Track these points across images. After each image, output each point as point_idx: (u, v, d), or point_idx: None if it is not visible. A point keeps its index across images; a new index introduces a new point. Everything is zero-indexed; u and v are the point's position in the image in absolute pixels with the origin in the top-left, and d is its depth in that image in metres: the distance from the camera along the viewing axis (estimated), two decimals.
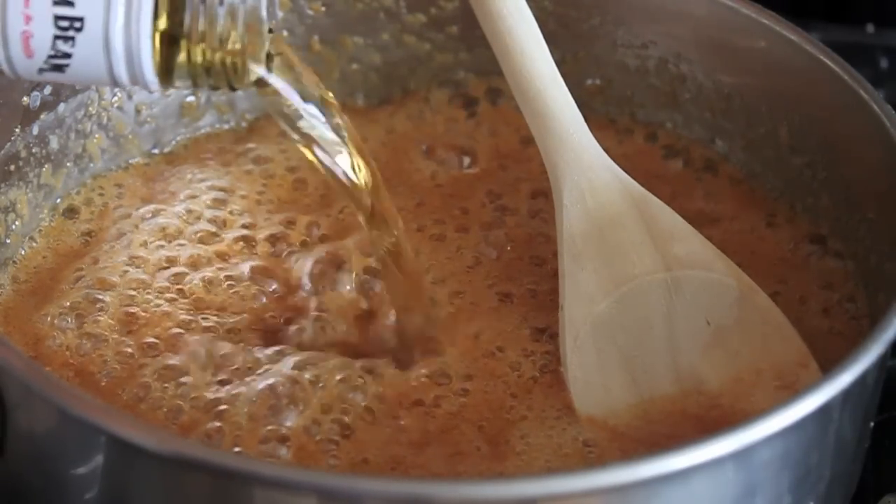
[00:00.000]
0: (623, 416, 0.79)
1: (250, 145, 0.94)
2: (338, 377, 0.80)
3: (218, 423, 0.77)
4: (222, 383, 0.80)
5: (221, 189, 0.92)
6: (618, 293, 0.81)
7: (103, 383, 0.80)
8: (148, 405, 0.79)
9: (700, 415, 0.79)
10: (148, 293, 0.85)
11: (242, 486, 0.66)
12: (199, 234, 0.89)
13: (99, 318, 0.83)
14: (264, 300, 0.85)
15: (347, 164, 0.78)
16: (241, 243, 0.88)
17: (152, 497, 0.68)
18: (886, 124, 0.82)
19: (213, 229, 0.89)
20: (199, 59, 0.70)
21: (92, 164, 0.91)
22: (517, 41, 0.84)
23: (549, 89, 0.84)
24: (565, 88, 0.84)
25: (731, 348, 0.81)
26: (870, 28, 1.20)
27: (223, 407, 0.78)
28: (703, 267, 0.82)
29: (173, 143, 0.95)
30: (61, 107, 0.88)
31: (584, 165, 0.83)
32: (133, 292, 0.85)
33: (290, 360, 0.81)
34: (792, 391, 0.78)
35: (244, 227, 0.89)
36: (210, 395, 0.79)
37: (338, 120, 0.77)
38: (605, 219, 0.82)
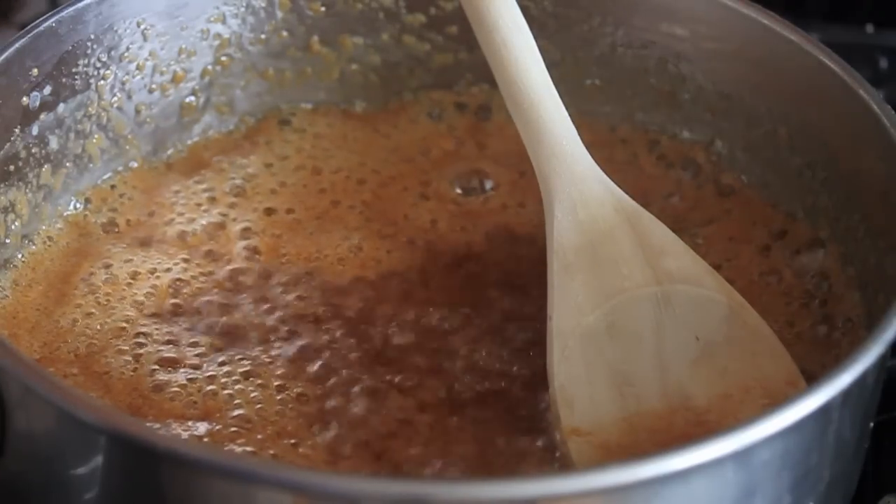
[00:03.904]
0: (609, 429, 0.78)
1: (241, 159, 0.94)
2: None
3: (239, 412, 0.79)
4: (231, 374, 0.81)
5: (222, 194, 0.92)
6: (607, 305, 0.81)
7: (110, 383, 0.80)
8: (160, 397, 0.79)
9: (687, 431, 0.78)
10: (152, 295, 0.85)
11: (241, 486, 0.66)
12: (202, 238, 0.89)
13: (105, 319, 0.83)
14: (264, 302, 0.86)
15: None
16: (244, 250, 0.89)
17: (152, 497, 0.68)
18: (886, 124, 0.82)
19: (214, 236, 0.89)
20: None
21: (91, 165, 0.91)
22: (512, 52, 0.84)
23: (542, 101, 0.84)
24: (559, 100, 0.84)
25: (719, 365, 0.80)
26: (870, 28, 1.19)
27: (233, 394, 0.80)
28: (694, 282, 0.82)
29: (174, 144, 0.95)
30: (61, 107, 0.88)
31: (576, 177, 0.83)
32: (140, 296, 0.85)
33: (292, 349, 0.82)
34: None
35: (245, 233, 0.90)
36: (222, 389, 0.80)
37: None
38: (596, 231, 0.82)
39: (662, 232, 0.83)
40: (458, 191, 0.93)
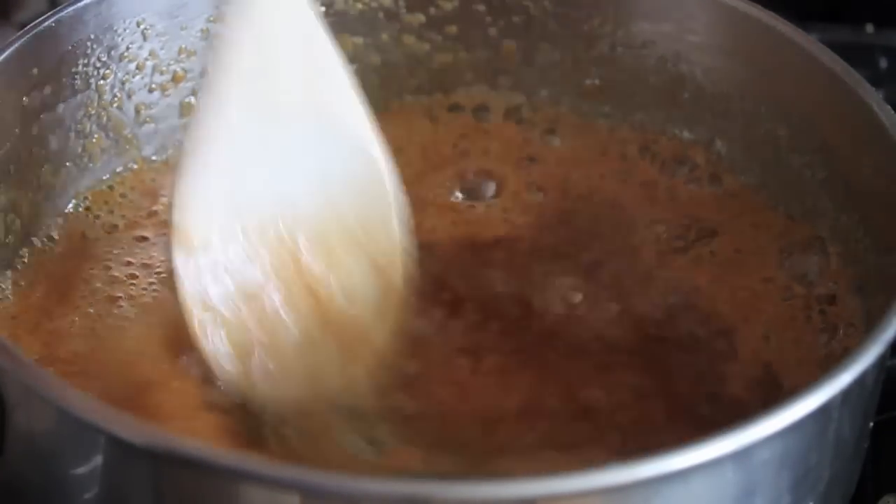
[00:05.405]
0: None
1: None
2: None
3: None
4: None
5: None
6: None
7: (110, 382, 0.80)
8: (164, 397, 0.79)
9: None
10: (153, 293, 0.85)
11: (240, 485, 0.66)
12: None
13: (105, 319, 0.83)
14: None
15: None
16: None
17: (152, 497, 0.68)
18: (886, 124, 0.82)
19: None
20: None
21: (91, 165, 0.91)
22: None
23: None
24: None
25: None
26: (869, 28, 1.20)
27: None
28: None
29: (174, 144, 0.95)
30: (61, 107, 0.88)
31: None
32: (141, 296, 0.85)
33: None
34: None
35: None
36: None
37: None
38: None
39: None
40: (460, 194, 0.93)
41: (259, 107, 0.79)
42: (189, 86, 0.94)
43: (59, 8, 0.87)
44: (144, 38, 0.91)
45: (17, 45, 0.84)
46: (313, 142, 0.80)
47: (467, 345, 0.84)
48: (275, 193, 0.79)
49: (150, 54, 0.92)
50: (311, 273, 0.80)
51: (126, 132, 0.92)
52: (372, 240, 0.81)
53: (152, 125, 0.94)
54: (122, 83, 0.91)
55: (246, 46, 0.79)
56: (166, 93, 0.94)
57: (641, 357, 0.83)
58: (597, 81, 0.97)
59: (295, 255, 0.80)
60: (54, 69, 0.87)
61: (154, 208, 0.91)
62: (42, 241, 0.88)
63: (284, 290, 0.79)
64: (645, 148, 0.96)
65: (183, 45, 0.93)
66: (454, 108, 0.98)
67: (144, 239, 0.89)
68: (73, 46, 0.88)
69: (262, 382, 0.78)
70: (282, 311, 0.79)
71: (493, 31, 0.97)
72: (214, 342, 0.78)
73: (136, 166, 0.93)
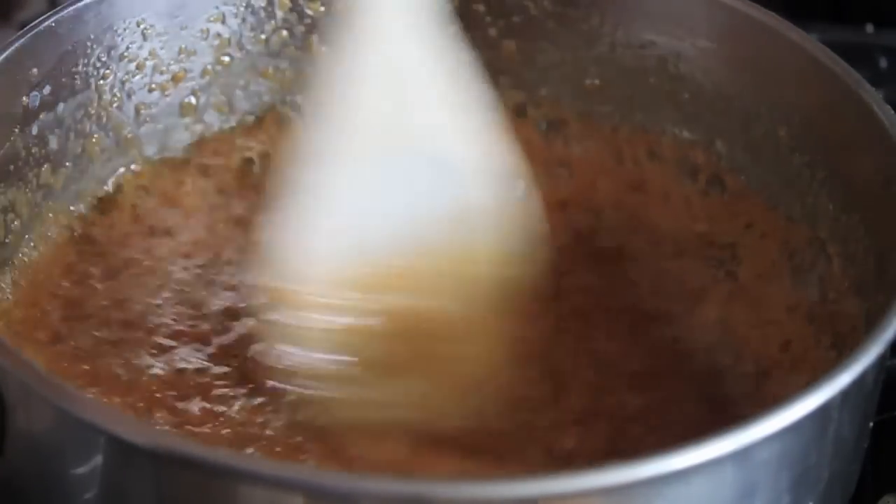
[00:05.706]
0: None
1: (242, 160, 0.94)
2: None
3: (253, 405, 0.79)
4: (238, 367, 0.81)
5: (223, 194, 0.92)
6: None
7: (112, 382, 0.80)
8: (165, 397, 0.79)
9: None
10: (153, 293, 0.85)
11: (241, 486, 0.66)
12: (202, 238, 0.89)
13: (106, 319, 0.83)
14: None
15: None
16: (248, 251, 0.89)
17: (152, 497, 0.68)
18: (886, 124, 0.82)
19: (215, 237, 0.89)
20: None
21: (91, 165, 0.91)
22: None
23: None
24: None
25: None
26: (869, 28, 1.20)
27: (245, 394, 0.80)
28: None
29: (174, 144, 0.95)
30: (60, 107, 0.88)
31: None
32: (142, 296, 0.85)
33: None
34: None
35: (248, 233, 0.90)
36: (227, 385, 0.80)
37: None
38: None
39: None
40: None
41: (367, 143, 0.78)
42: (189, 86, 0.94)
43: (59, 8, 0.88)
44: (144, 38, 0.91)
45: (17, 45, 0.84)
46: (419, 173, 0.78)
47: None
48: (382, 232, 0.78)
49: (150, 54, 0.92)
50: (419, 310, 0.78)
51: (126, 132, 0.92)
52: (481, 271, 0.79)
53: (152, 125, 0.94)
54: (122, 83, 0.91)
55: (364, 79, 0.78)
56: (166, 93, 0.94)
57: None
58: (597, 81, 0.97)
59: (405, 294, 0.78)
60: (54, 69, 0.87)
61: (154, 208, 0.91)
62: (42, 241, 0.88)
63: (390, 326, 0.78)
64: (645, 147, 0.96)
65: (183, 45, 0.93)
66: None
67: (144, 238, 0.89)
68: (73, 46, 0.88)
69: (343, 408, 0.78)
70: (383, 346, 0.78)
71: (492, 32, 0.97)
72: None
73: (136, 166, 0.93)
